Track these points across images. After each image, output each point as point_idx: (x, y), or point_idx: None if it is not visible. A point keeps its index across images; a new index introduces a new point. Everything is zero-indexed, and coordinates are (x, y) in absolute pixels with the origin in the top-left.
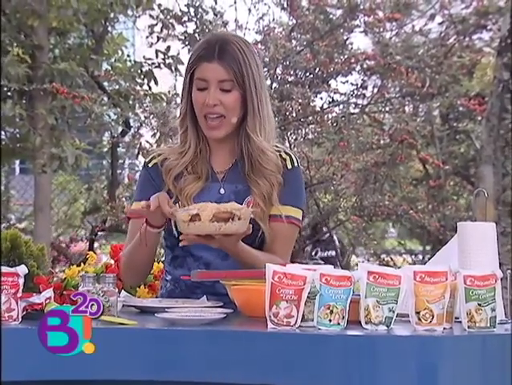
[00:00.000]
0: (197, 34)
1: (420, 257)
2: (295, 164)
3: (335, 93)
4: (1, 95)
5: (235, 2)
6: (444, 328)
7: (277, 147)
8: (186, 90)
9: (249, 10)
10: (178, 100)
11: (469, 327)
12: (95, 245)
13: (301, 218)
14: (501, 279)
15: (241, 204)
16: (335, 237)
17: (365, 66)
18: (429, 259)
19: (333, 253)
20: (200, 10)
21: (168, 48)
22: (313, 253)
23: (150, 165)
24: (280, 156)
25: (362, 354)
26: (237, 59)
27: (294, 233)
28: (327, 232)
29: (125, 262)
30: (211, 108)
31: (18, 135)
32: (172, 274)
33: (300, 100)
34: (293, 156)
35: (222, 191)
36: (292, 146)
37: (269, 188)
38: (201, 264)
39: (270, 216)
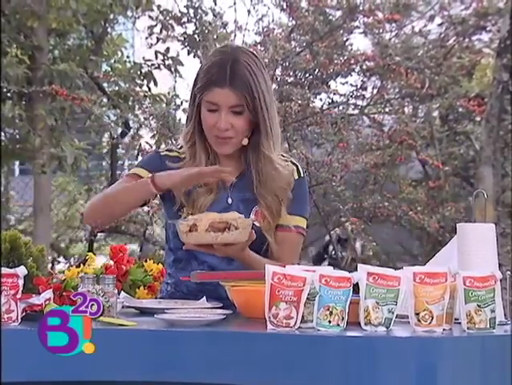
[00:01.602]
0: (196, 35)
1: (420, 258)
2: (301, 174)
3: (334, 94)
4: (0, 96)
5: (235, 3)
6: (443, 329)
7: (283, 156)
8: (194, 109)
9: (249, 11)
10: (178, 101)
11: (468, 328)
12: (95, 246)
13: (305, 226)
14: (501, 280)
15: (250, 212)
16: (357, 243)
17: (365, 67)
18: (429, 260)
19: (346, 254)
20: (199, 11)
21: (168, 49)
22: (332, 252)
23: (162, 154)
24: (287, 166)
25: (361, 356)
26: (249, 84)
27: (301, 242)
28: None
29: (102, 201)
30: (222, 132)
31: (17, 136)
32: (175, 277)
33: (300, 101)
34: (299, 167)
35: (230, 200)
36: (291, 147)
37: (277, 204)
38: (205, 267)
39: (277, 225)
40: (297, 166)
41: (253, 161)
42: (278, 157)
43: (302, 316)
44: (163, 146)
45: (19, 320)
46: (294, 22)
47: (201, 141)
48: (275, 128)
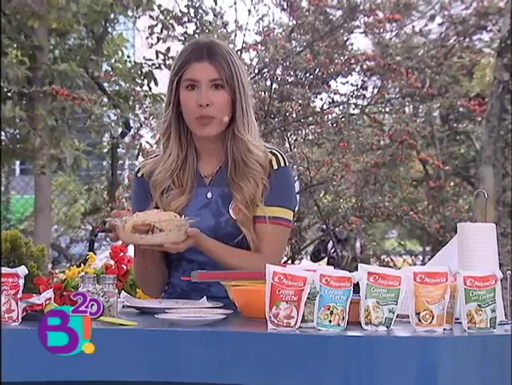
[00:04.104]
0: (197, 35)
1: (421, 257)
2: (282, 164)
3: (335, 94)
4: (1, 96)
5: (235, 3)
6: (444, 329)
7: (265, 146)
8: (172, 96)
9: (249, 10)
10: None
11: (469, 328)
12: (95, 245)
13: (291, 218)
14: (501, 280)
15: (227, 207)
16: (357, 243)
17: (365, 66)
18: (429, 260)
19: (346, 253)
20: (200, 10)
21: (168, 49)
22: (331, 251)
23: (139, 175)
24: (266, 156)
25: (362, 355)
26: (226, 60)
27: (282, 233)
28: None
29: (137, 279)
30: (204, 109)
31: (18, 136)
32: (171, 277)
33: (300, 101)
34: (279, 156)
35: (209, 195)
36: (292, 147)
37: (252, 189)
38: (195, 266)
39: (254, 217)
40: (276, 156)
41: (230, 145)
42: (253, 140)
43: (303, 316)
44: (156, 150)
45: (19, 320)
46: (294, 22)
47: (176, 135)
48: (251, 113)
